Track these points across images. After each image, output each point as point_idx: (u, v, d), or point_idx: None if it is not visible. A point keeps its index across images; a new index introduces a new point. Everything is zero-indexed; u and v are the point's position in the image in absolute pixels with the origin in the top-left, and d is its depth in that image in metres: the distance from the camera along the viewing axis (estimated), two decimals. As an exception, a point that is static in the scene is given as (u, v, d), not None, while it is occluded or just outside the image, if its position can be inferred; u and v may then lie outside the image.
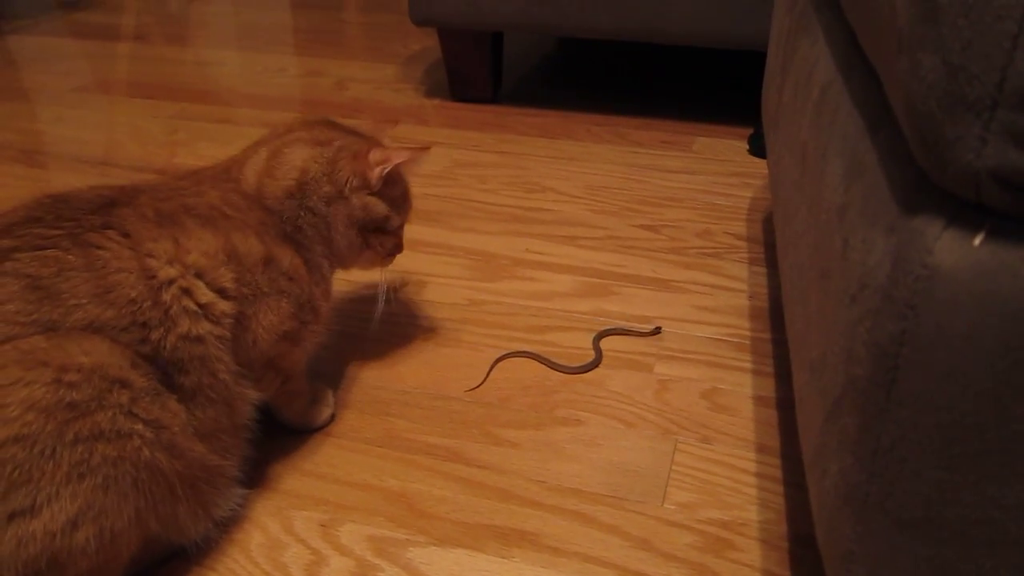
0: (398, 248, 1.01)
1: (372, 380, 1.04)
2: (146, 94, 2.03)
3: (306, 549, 0.81)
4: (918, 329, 0.42)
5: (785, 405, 1.00)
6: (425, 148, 0.95)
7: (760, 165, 1.65)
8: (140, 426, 0.68)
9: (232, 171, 0.90)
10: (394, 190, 0.95)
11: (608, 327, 1.13)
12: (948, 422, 0.43)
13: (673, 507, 0.85)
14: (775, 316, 1.17)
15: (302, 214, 0.89)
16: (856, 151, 0.56)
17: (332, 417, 0.98)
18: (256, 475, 0.89)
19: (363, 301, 1.21)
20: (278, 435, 0.94)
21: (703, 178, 1.59)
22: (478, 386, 1.03)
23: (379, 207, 0.93)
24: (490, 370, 1.05)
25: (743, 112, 1.92)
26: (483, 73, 1.94)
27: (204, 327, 0.75)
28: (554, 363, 1.06)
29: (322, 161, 0.90)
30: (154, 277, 0.73)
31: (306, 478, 0.89)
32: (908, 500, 0.46)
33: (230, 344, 0.78)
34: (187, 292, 0.75)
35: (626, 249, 1.34)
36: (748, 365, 1.07)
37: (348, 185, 0.90)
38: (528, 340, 1.11)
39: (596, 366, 1.06)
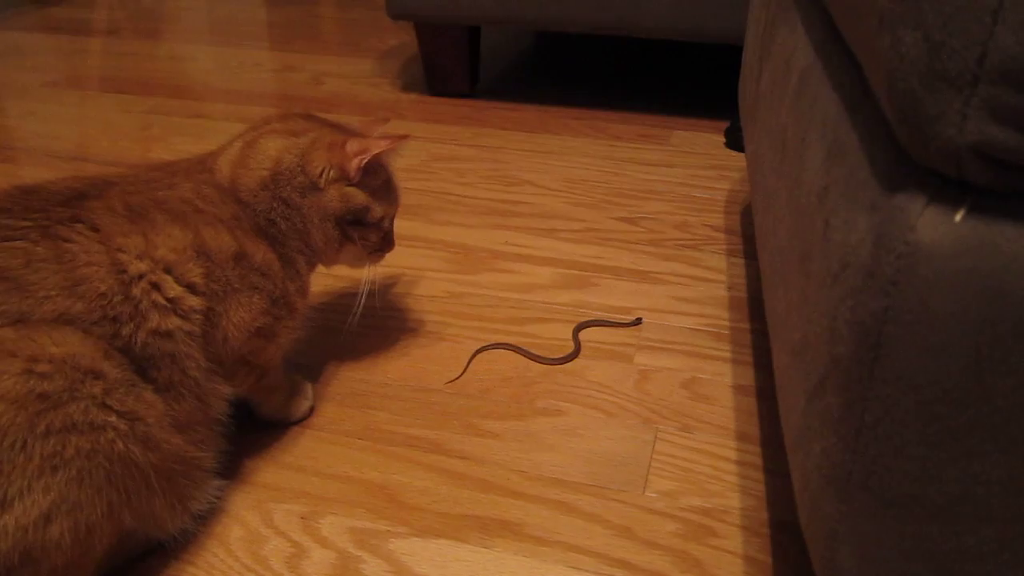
0: (387, 244, 0.98)
1: (352, 373, 1.03)
2: (119, 89, 2.00)
3: (286, 542, 0.80)
4: (901, 306, 0.43)
5: (764, 394, 1.00)
6: (403, 136, 0.94)
7: (737, 158, 1.66)
8: (114, 418, 0.67)
9: (207, 162, 0.89)
10: (375, 180, 0.93)
11: (588, 319, 1.13)
12: (931, 399, 0.43)
13: (654, 495, 0.86)
14: (753, 306, 1.17)
15: (276, 206, 0.87)
16: (836, 133, 0.56)
17: (311, 410, 0.97)
18: (235, 469, 0.88)
19: (343, 295, 1.20)
20: (256, 429, 0.93)
21: (681, 171, 1.59)
22: (458, 378, 1.02)
23: (358, 198, 0.91)
24: (469, 362, 1.05)
25: (720, 106, 1.93)
26: (460, 67, 1.93)
27: (173, 322, 0.74)
28: (533, 354, 1.06)
29: (296, 152, 0.89)
30: (124, 272, 0.72)
31: (286, 471, 0.88)
32: (892, 478, 0.46)
33: (201, 341, 0.77)
34: (156, 287, 0.73)
35: (605, 241, 1.34)
36: (727, 355, 1.07)
37: (324, 176, 0.89)
38: (508, 332, 1.11)
39: (575, 357, 1.06)
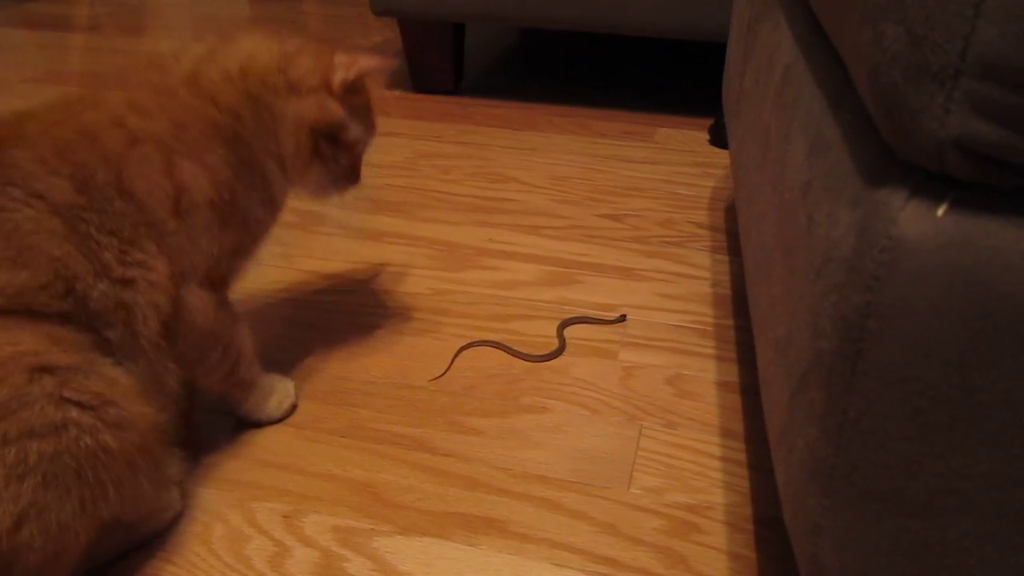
0: (354, 174, 0.94)
1: (335, 370, 1.03)
2: (101, 85, 1.98)
3: (269, 541, 0.79)
4: (883, 300, 0.43)
5: (748, 390, 1.00)
6: (390, 60, 0.91)
7: (721, 155, 1.66)
8: (75, 412, 0.65)
9: (162, 62, 0.83)
10: (356, 99, 0.90)
11: (573, 316, 1.13)
12: (914, 393, 0.43)
13: (639, 492, 0.85)
14: (738, 303, 1.17)
15: (243, 101, 0.82)
16: (819, 128, 0.56)
17: (293, 408, 0.96)
18: (216, 467, 0.88)
19: (325, 292, 1.19)
20: (238, 428, 0.93)
21: (665, 168, 1.59)
22: (442, 375, 1.02)
23: (337, 112, 0.87)
24: (453, 359, 1.05)
25: (704, 103, 1.93)
26: (445, 64, 1.92)
27: (134, 271, 0.72)
28: (518, 351, 1.05)
29: (276, 52, 0.85)
30: (77, 231, 0.69)
31: (268, 469, 0.88)
32: (874, 472, 0.46)
33: (160, 309, 0.75)
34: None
35: (589, 238, 1.34)
36: (712, 351, 1.07)
37: (305, 80, 0.85)
38: (492, 329, 1.11)
39: (560, 354, 1.06)
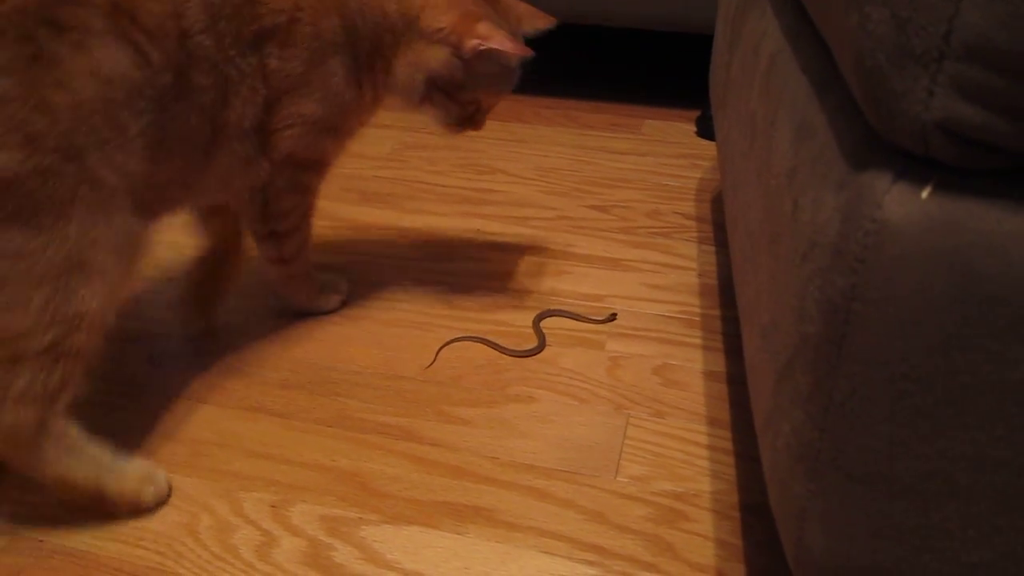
0: (470, 122, 0.99)
1: (322, 361, 1.03)
2: None
3: (256, 530, 0.79)
4: (868, 283, 0.43)
5: (735, 380, 1.01)
6: (528, 50, 0.92)
7: (707, 147, 1.66)
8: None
9: None
10: (484, 67, 0.93)
11: (555, 308, 1.12)
12: (898, 376, 0.44)
13: (626, 480, 0.86)
14: (724, 293, 1.18)
15: (362, 24, 0.88)
16: (805, 114, 0.56)
17: (341, 304, 1.10)
18: (203, 456, 0.87)
19: (312, 283, 1.19)
20: (223, 419, 0.92)
21: (652, 159, 1.60)
22: (429, 366, 1.02)
23: (458, 73, 0.91)
24: (437, 353, 1.04)
25: (691, 95, 1.93)
26: (431, 56, 1.92)
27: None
28: (501, 346, 1.05)
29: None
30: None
31: (255, 459, 0.87)
32: (859, 455, 0.46)
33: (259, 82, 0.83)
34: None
35: (577, 229, 1.34)
36: (698, 341, 1.08)
37: (438, 32, 0.89)
38: (480, 320, 1.11)
39: (541, 350, 1.05)
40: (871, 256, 0.42)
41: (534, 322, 1.09)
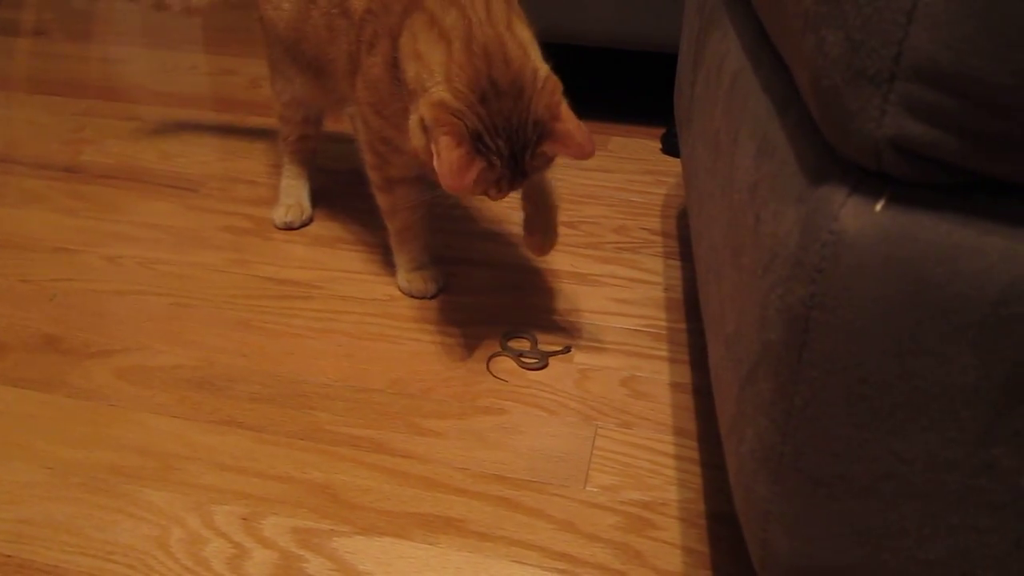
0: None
1: (292, 374, 1.03)
2: (48, 91, 1.96)
3: (228, 543, 0.79)
4: (826, 292, 0.45)
5: (700, 391, 1.03)
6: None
7: (672, 163, 1.69)
8: None
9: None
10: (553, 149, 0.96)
11: (507, 345, 1.10)
12: (855, 380, 0.46)
13: (595, 490, 0.87)
14: (690, 307, 1.20)
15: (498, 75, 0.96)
16: (767, 132, 0.58)
17: (433, 295, 1.19)
18: (173, 470, 0.87)
19: (282, 298, 1.19)
20: (193, 432, 0.92)
21: (619, 176, 1.62)
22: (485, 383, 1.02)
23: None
24: (488, 367, 1.06)
25: (656, 113, 1.96)
26: (400, 73, 1.93)
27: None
28: (525, 362, 1.06)
29: (535, 67, 1.00)
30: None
31: (226, 472, 0.88)
32: (820, 458, 0.48)
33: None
34: None
35: (545, 244, 1.35)
36: (665, 354, 1.10)
37: (422, 119, 0.92)
38: (449, 334, 1.12)
39: (568, 349, 1.09)
40: (829, 266, 0.44)
41: (487, 362, 1.07)
